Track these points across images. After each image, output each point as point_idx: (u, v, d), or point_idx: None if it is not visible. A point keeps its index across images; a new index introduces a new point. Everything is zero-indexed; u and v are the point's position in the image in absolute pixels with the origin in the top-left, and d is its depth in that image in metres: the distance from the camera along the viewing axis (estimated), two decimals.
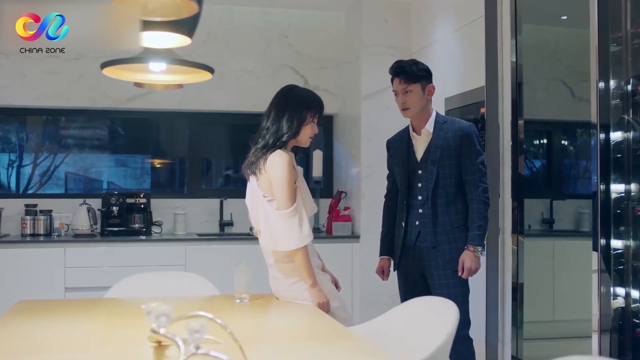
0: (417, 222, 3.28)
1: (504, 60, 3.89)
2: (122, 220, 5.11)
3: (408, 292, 3.29)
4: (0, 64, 5.10)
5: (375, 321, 2.52)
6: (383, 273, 3.47)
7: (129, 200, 5.12)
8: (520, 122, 3.85)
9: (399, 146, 3.43)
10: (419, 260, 3.30)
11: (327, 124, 5.88)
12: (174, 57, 2.70)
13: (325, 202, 5.53)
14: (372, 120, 5.10)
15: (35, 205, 5.10)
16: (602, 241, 3.00)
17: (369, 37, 5.18)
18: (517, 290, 3.82)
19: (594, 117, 3.05)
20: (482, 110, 4.05)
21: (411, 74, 3.27)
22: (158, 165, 6.09)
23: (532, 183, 5.85)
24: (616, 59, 3.06)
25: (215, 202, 5.52)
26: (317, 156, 5.48)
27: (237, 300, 2.76)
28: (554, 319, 5.06)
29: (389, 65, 3.35)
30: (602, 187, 3.01)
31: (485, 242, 3.25)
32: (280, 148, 2.77)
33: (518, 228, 3.81)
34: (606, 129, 3.02)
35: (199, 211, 5.53)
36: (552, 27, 5.23)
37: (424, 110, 3.31)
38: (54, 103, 5.29)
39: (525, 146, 5.84)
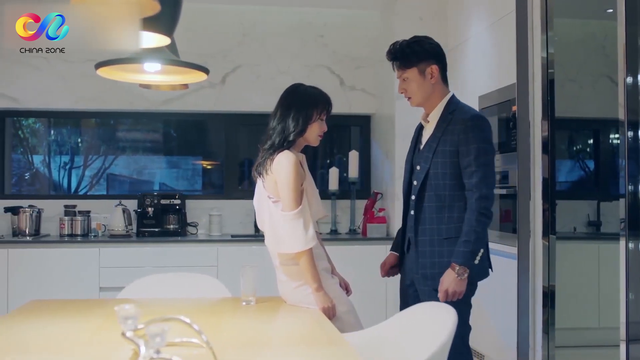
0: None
1: (535, 56, 3.72)
2: (157, 221, 5.15)
3: (402, 302, 2.94)
4: (39, 67, 5.22)
5: (375, 328, 2.44)
6: (384, 268, 3.01)
7: (163, 202, 5.17)
8: (549, 120, 3.66)
9: (414, 135, 3.00)
10: (410, 271, 2.89)
11: (364, 124, 5.80)
12: (168, 57, 2.68)
13: (361, 204, 5.44)
14: (406, 120, 4.94)
15: (74, 207, 5.19)
16: (631, 245, 2.85)
17: (403, 35, 4.96)
18: (549, 295, 3.64)
19: (621, 114, 2.89)
20: (514, 108, 3.89)
21: (402, 57, 2.80)
22: (209, 167, 6.13)
23: (578, 184, 5.61)
24: None
25: (251, 203, 5.47)
26: (353, 157, 5.41)
27: (243, 303, 2.72)
28: (600, 326, 4.84)
29: None
30: (630, 187, 2.85)
31: (476, 261, 2.66)
32: (288, 148, 2.73)
33: (549, 230, 3.63)
34: (635, 127, 2.85)
35: (235, 212, 5.52)
36: (600, 20, 5.03)
37: (433, 95, 2.81)
38: (93, 106, 5.39)
39: (581, 146, 5.62)
